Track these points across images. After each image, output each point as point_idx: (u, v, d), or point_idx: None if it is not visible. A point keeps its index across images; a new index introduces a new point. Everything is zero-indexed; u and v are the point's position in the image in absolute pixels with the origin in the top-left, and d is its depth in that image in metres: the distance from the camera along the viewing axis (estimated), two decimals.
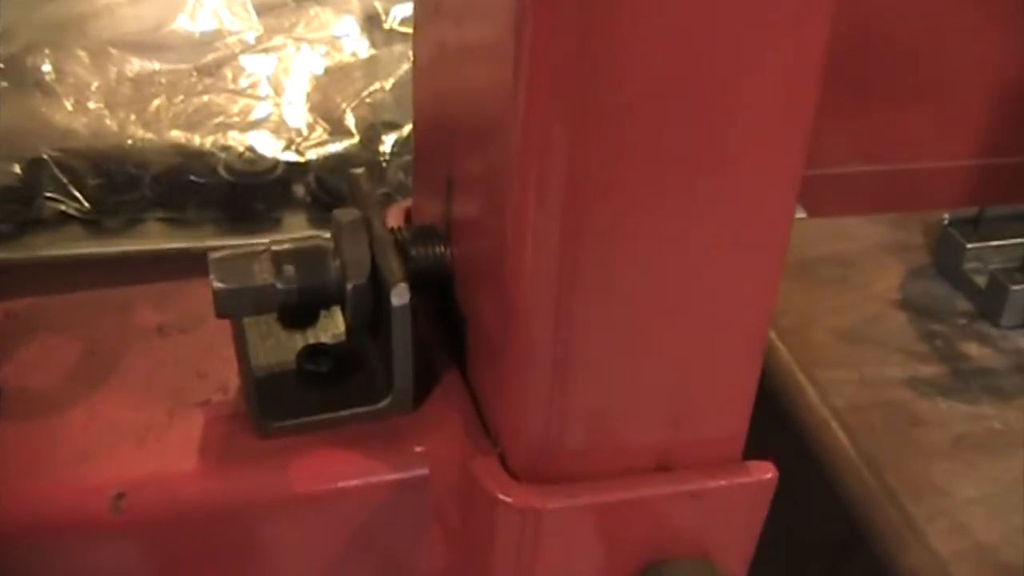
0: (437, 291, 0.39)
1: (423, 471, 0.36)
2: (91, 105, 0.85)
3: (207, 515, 0.35)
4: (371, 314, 0.36)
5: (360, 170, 0.39)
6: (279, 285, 0.36)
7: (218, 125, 0.85)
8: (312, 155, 0.82)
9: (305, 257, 0.36)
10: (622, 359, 0.33)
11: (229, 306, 0.35)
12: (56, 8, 0.91)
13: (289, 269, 0.36)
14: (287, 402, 0.37)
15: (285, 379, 0.37)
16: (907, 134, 1.03)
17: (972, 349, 0.70)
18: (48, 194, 0.79)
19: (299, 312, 0.38)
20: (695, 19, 0.28)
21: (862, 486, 0.61)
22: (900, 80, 1.06)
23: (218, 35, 0.91)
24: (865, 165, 1.04)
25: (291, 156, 0.82)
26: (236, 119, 0.85)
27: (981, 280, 0.72)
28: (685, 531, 0.36)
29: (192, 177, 0.81)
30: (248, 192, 0.80)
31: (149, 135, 0.84)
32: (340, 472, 0.36)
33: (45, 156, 0.80)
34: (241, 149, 0.82)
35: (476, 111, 0.34)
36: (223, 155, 0.82)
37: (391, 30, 0.93)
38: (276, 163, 0.81)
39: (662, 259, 0.32)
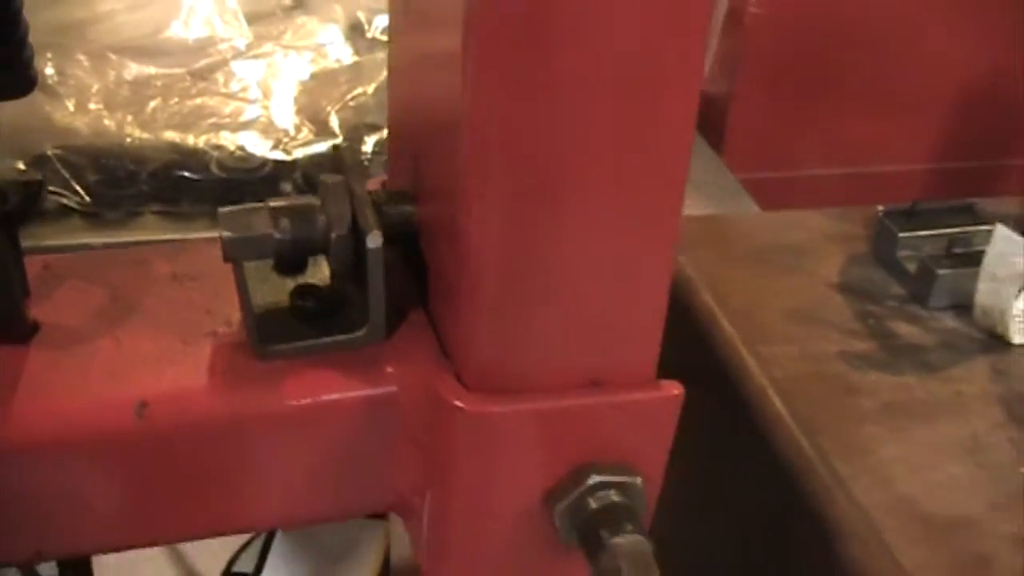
0: (406, 245, 0.48)
1: (393, 388, 0.46)
2: (91, 106, 0.94)
3: (215, 423, 0.44)
4: (351, 261, 0.46)
5: (344, 143, 0.48)
6: (276, 235, 0.45)
7: (211, 125, 0.94)
8: (299, 154, 0.91)
9: (297, 212, 0.46)
10: (554, 297, 0.43)
11: (234, 252, 0.45)
12: (58, 14, 1.00)
13: (284, 222, 0.45)
14: (281, 332, 0.46)
15: (280, 314, 0.47)
16: (873, 139, 1.14)
17: (902, 328, 0.79)
18: (51, 188, 0.87)
19: (292, 259, 0.47)
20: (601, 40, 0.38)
21: (796, 448, 0.71)
22: (867, 88, 1.17)
23: (211, 42, 1.00)
24: (832, 168, 1.15)
25: (279, 155, 0.91)
26: (228, 120, 0.95)
27: (912, 266, 0.82)
28: (609, 436, 0.45)
29: (186, 173, 0.90)
30: (239, 187, 0.89)
31: (146, 135, 0.93)
32: (324, 388, 0.45)
33: (48, 153, 0.89)
34: (232, 148, 0.91)
35: (437, 102, 0.43)
36: (215, 153, 0.91)
37: (373, 38, 1.03)
38: (265, 161, 0.90)
39: (584, 215, 0.41)
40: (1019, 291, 0.74)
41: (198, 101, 0.96)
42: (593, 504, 0.45)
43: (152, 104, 0.95)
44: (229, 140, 0.92)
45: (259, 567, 1.19)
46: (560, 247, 0.42)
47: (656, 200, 0.42)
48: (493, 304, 0.43)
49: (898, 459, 0.70)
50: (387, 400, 0.46)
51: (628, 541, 0.43)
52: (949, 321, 0.80)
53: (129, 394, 0.44)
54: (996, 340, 0.79)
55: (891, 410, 0.73)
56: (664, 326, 0.45)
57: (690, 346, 0.80)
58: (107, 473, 0.44)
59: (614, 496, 0.45)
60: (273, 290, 0.48)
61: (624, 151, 0.41)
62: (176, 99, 0.96)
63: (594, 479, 0.45)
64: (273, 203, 0.46)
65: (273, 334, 0.46)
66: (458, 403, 0.43)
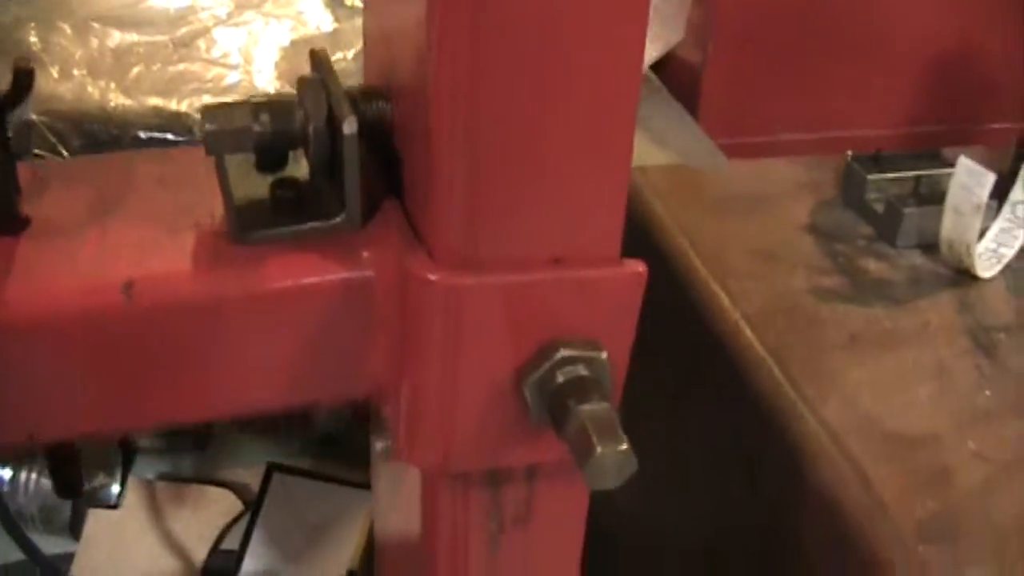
0: (380, 142, 0.51)
1: (369, 272, 0.48)
2: (75, 72, 0.97)
3: (199, 302, 0.47)
4: (328, 154, 0.49)
5: (322, 48, 0.51)
6: (256, 128, 0.48)
7: (193, 90, 0.97)
8: None
9: (277, 107, 0.48)
10: (516, 176, 0.45)
11: (216, 144, 0.47)
12: None
13: (264, 116, 0.48)
14: (261, 220, 0.49)
15: (260, 205, 0.50)
16: (846, 103, 1.17)
17: (870, 264, 0.82)
18: (37, 152, 0.91)
19: (272, 154, 0.50)
20: None
21: (767, 375, 0.73)
22: (833, 53, 1.20)
23: (192, 10, 1.04)
24: (805, 133, 1.18)
25: None
26: (210, 85, 0.98)
27: (880, 207, 0.85)
28: (574, 312, 0.48)
29: (170, 136, 0.93)
30: None
31: (129, 100, 0.96)
32: (302, 271, 0.48)
33: (34, 119, 0.92)
34: None
35: (407, 27, 0.47)
36: (198, 116, 0.94)
37: (352, 6, 1.06)
38: None
39: (545, 107, 0.44)
40: (982, 224, 0.78)
41: (180, 67, 0.99)
42: (561, 378, 0.47)
43: (135, 71, 0.98)
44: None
45: (244, 543, 1.21)
46: (523, 137, 0.45)
47: (614, 88, 0.45)
48: (461, 188, 0.46)
49: (865, 383, 0.72)
50: (363, 284, 0.48)
51: (594, 407, 0.46)
52: (916, 258, 0.83)
53: (116, 276, 0.46)
54: (963, 275, 0.82)
55: (858, 340, 0.76)
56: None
57: (666, 287, 0.83)
58: (96, 354, 0.47)
59: (581, 370, 0.48)
60: (254, 186, 0.50)
61: (581, 48, 0.44)
62: (158, 65, 0.99)
63: (562, 353, 0.47)
64: (254, 99, 0.49)
65: (253, 222, 0.49)
66: (431, 277, 0.46)
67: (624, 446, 0.45)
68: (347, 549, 1.19)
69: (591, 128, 0.46)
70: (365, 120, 0.49)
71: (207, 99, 0.96)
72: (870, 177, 0.85)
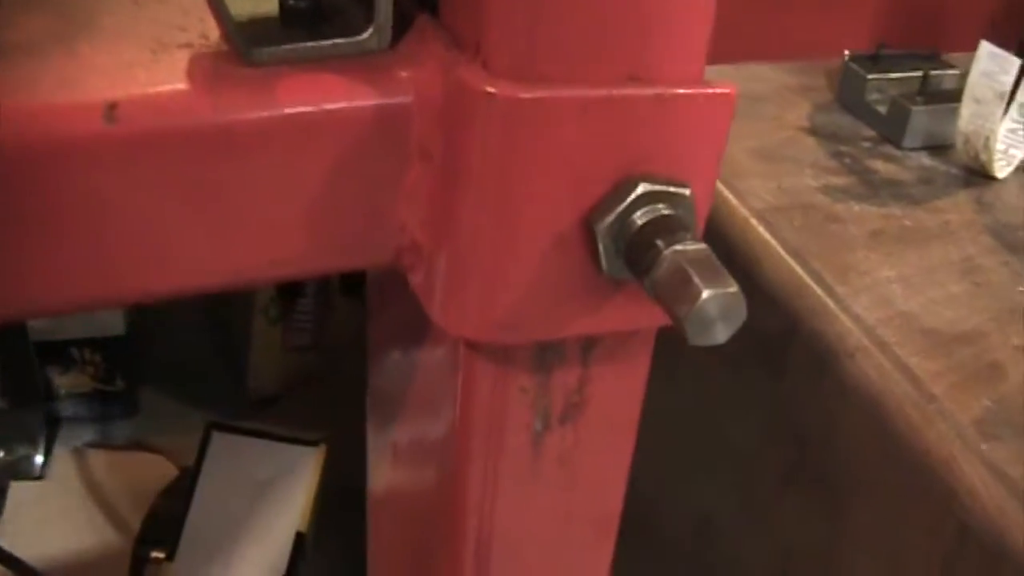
0: None
1: (408, 97, 0.38)
2: None
3: (198, 131, 0.37)
4: None
5: None
6: None
7: None
8: None
9: None
10: None
11: None
12: None
13: None
14: (271, 36, 0.39)
15: (267, 22, 0.39)
16: (805, 31, 1.10)
17: (878, 165, 0.75)
18: None
19: None
20: None
21: (788, 273, 0.65)
22: None
23: None
24: (765, 62, 1.10)
25: None
26: None
27: (883, 109, 0.77)
28: (654, 140, 0.38)
29: None
30: None
31: None
32: (326, 95, 0.38)
33: None
34: None
35: None
36: None
37: None
38: None
39: None
40: (1003, 114, 0.71)
41: None
42: (640, 219, 0.38)
43: None
44: None
45: (184, 508, 1.09)
46: None
47: None
48: None
49: (895, 280, 0.65)
50: (400, 111, 0.38)
51: (691, 247, 0.37)
52: (925, 160, 0.76)
53: (92, 98, 0.36)
54: (976, 175, 0.75)
55: (880, 237, 0.68)
56: None
57: None
58: (68, 198, 0.36)
59: (663, 209, 0.38)
60: (254, 3, 0.40)
61: None
62: None
63: (642, 188, 0.38)
64: None
65: (262, 38, 0.38)
66: (488, 89, 0.36)
67: (734, 288, 0.36)
68: (295, 510, 1.08)
69: None
70: None
71: None
72: (870, 77, 0.78)
